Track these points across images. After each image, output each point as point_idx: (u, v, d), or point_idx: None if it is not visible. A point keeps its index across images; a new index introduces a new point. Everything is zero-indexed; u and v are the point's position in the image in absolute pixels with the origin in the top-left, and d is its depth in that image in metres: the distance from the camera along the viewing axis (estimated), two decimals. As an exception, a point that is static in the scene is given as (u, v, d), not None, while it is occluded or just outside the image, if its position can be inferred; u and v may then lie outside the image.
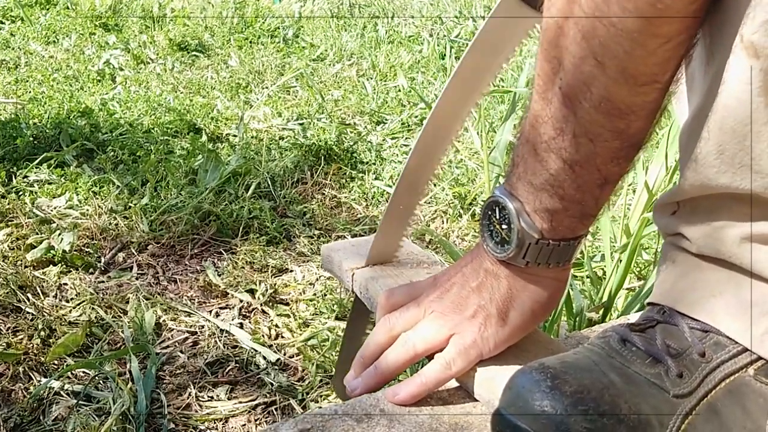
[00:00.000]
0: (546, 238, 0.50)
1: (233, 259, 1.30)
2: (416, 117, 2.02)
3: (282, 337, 1.11)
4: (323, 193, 1.59)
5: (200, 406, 0.96)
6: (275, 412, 0.95)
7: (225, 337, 1.10)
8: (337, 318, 1.14)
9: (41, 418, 0.91)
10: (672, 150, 1.08)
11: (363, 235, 1.39)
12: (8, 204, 1.42)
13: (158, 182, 1.54)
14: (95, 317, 1.12)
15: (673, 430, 0.44)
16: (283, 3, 3.33)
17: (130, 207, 1.44)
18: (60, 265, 1.24)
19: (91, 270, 1.25)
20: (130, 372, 0.98)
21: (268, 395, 0.98)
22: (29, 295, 1.15)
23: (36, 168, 1.56)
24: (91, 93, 2.11)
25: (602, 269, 1.15)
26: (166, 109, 1.97)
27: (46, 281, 1.20)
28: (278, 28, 2.97)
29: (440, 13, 3.25)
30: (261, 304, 1.18)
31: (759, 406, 0.46)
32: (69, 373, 0.99)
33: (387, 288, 0.61)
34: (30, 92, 2.05)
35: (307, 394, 0.98)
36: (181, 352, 1.06)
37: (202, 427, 0.92)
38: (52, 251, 1.26)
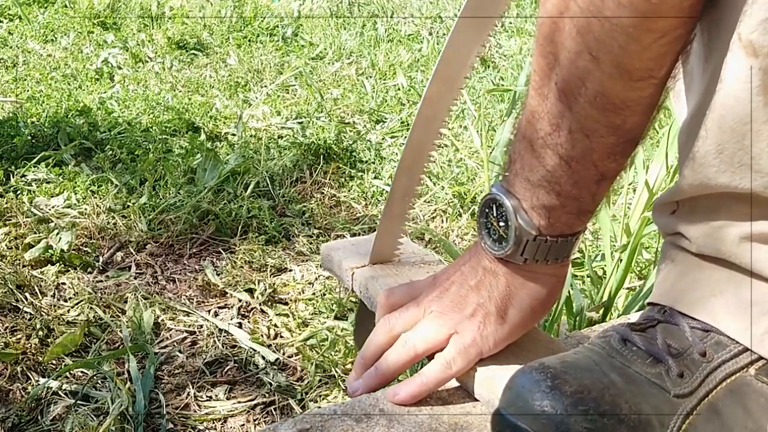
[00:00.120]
0: (543, 235, 0.50)
1: (232, 259, 1.30)
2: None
3: (281, 336, 1.11)
4: (322, 192, 1.59)
5: (199, 405, 0.95)
6: (274, 412, 0.95)
7: (224, 336, 1.09)
8: (336, 318, 1.14)
9: (39, 418, 0.91)
10: (672, 149, 1.08)
11: (362, 234, 1.39)
12: (6, 203, 1.41)
13: (157, 181, 1.54)
14: (93, 317, 1.11)
15: (673, 430, 0.44)
16: (282, 1, 3.32)
17: (128, 206, 1.43)
18: (58, 264, 1.24)
19: (89, 269, 1.25)
20: (128, 372, 0.98)
21: (267, 395, 0.97)
22: (27, 294, 1.15)
23: (34, 167, 1.56)
24: (90, 92, 2.11)
25: (602, 269, 1.14)
26: (164, 107, 1.97)
27: (44, 280, 1.19)
28: (277, 26, 2.96)
29: (440, 12, 3.25)
30: (260, 304, 1.18)
31: (760, 405, 0.45)
32: (67, 372, 0.98)
33: (387, 287, 0.60)
34: (28, 91, 2.05)
35: (306, 393, 0.98)
36: (180, 351, 1.06)
37: (201, 427, 0.92)
38: (50, 250, 1.25)
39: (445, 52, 0.56)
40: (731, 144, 0.43)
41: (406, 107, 2.10)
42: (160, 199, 1.46)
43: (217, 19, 2.99)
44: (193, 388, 0.98)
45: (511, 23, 3.04)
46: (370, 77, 2.39)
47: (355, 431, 0.49)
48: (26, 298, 1.13)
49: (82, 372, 0.99)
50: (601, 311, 0.95)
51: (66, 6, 3.04)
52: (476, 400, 0.54)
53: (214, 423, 0.93)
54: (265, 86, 2.26)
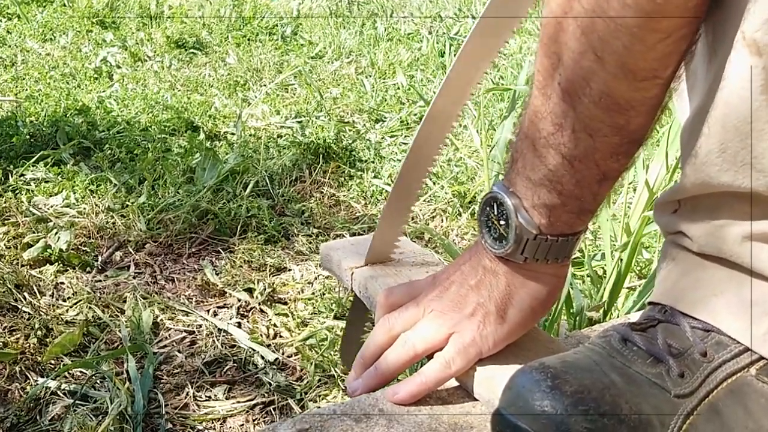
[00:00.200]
0: (544, 234, 0.50)
1: (231, 258, 1.30)
2: (415, 115, 2.02)
3: (280, 336, 1.11)
4: (322, 192, 1.58)
5: (198, 405, 0.95)
6: (273, 412, 0.95)
7: (223, 336, 1.09)
8: (335, 317, 1.14)
9: (38, 418, 0.91)
10: (672, 148, 1.08)
11: (362, 234, 1.39)
12: (5, 202, 1.41)
13: (156, 180, 1.53)
14: (92, 316, 1.11)
15: (674, 430, 0.44)
16: (281, 0, 3.32)
17: (127, 205, 1.43)
18: (57, 264, 1.24)
19: (88, 269, 1.25)
20: (127, 372, 0.98)
21: (266, 395, 0.97)
22: (26, 294, 1.14)
23: (33, 166, 1.56)
24: (88, 91, 2.10)
25: (602, 268, 1.14)
26: (163, 107, 1.97)
27: (43, 280, 1.19)
28: (276, 25, 2.96)
29: (439, 11, 3.25)
30: (259, 304, 1.17)
31: (761, 406, 0.45)
32: (66, 372, 0.98)
33: (386, 287, 0.60)
34: (27, 90, 2.05)
35: (306, 393, 0.98)
36: (179, 351, 1.05)
37: (200, 427, 0.92)
38: (48, 250, 1.25)
39: (464, 51, 0.56)
40: (734, 143, 0.43)
41: (405, 106, 2.09)
42: (159, 198, 1.46)
43: (216, 17, 2.99)
44: (192, 387, 0.97)
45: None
46: (370, 76, 2.39)
47: (355, 431, 0.49)
48: (25, 298, 1.13)
49: (80, 372, 0.99)
50: (601, 311, 0.95)
51: (65, 5, 3.04)
52: (476, 399, 0.54)
53: (213, 423, 0.92)
54: (265, 85, 2.26)
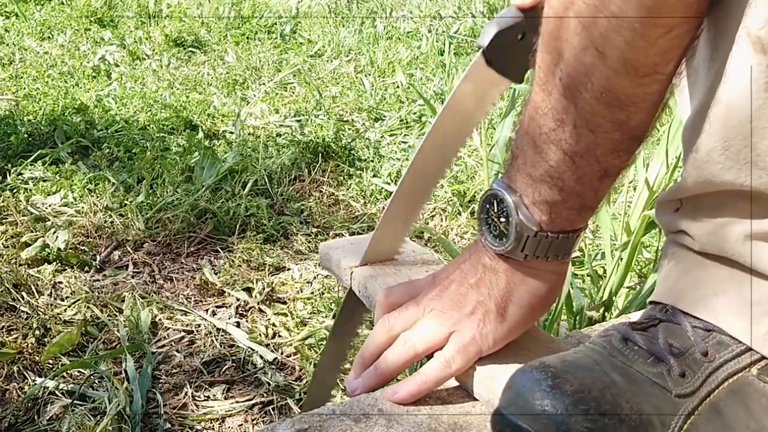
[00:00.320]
0: (544, 231, 0.50)
1: (230, 258, 1.29)
2: (414, 113, 2.01)
3: (279, 336, 1.11)
4: (321, 191, 1.58)
5: (196, 405, 0.95)
6: (272, 412, 0.95)
7: (221, 336, 1.09)
8: (334, 317, 1.13)
9: (36, 417, 0.90)
10: (673, 147, 1.07)
11: (361, 233, 1.39)
12: (2, 202, 1.41)
13: (154, 179, 1.53)
14: (90, 316, 1.11)
15: (675, 430, 0.43)
16: (280, -1, 3.31)
17: (125, 204, 1.43)
18: (55, 263, 1.23)
19: (86, 268, 1.25)
20: (125, 371, 0.98)
21: (265, 395, 0.97)
22: (24, 293, 1.14)
23: (30, 165, 1.55)
24: (87, 89, 2.10)
25: (603, 267, 1.14)
26: (162, 105, 1.96)
27: (41, 280, 1.19)
28: (275, 23, 2.96)
29: (439, 9, 3.24)
30: (258, 303, 1.17)
31: (762, 405, 0.45)
32: (64, 372, 0.98)
33: (385, 286, 0.60)
34: (24, 89, 2.04)
35: (305, 393, 0.97)
36: (177, 351, 1.05)
37: (199, 427, 0.91)
38: (46, 249, 1.25)
39: (439, 122, 0.58)
40: (737, 141, 0.43)
41: (405, 105, 2.09)
42: (158, 197, 1.45)
43: (214, 16, 2.99)
44: (190, 387, 0.97)
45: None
46: (369, 75, 2.38)
47: (354, 431, 0.49)
48: (23, 297, 1.13)
49: (79, 371, 0.99)
50: (601, 310, 0.95)
51: (63, 3, 3.03)
52: (476, 399, 0.53)
53: (211, 423, 0.92)
54: (263, 84, 2.25)
